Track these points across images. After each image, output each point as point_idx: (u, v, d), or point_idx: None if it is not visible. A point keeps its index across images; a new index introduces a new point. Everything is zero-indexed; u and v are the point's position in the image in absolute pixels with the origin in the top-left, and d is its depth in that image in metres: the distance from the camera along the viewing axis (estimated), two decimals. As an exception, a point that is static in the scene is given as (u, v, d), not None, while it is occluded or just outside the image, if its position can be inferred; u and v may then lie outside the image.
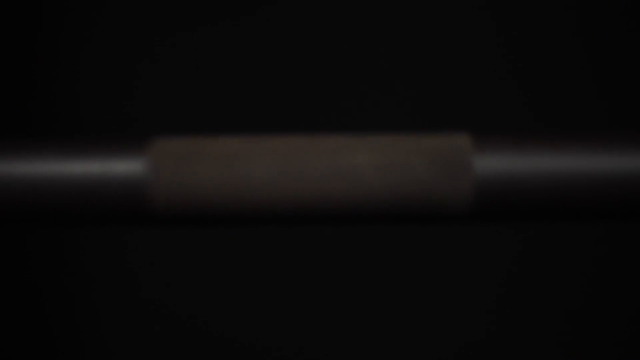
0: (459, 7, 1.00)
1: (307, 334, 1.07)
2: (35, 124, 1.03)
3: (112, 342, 1.08)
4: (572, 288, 1.04)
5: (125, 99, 1.02)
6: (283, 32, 1.01)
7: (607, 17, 1.00)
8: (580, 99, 1.01)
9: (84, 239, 1.07)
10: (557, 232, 1.04)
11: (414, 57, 1.00)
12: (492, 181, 0.37)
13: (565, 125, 1.00)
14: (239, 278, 1.07)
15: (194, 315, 1.08)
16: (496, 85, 1.00)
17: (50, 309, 1.08)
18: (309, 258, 1.06)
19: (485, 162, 0.37)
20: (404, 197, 0.37)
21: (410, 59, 1.01)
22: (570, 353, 1.05)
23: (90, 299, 1.07)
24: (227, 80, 1.02)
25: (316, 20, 1.01)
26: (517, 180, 0.37)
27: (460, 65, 1.00)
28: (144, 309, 1.08)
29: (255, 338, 1.07)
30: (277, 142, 0.38)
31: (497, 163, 0.37)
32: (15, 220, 0.39)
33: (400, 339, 1.06)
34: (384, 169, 0.37)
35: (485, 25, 1.00)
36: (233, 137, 0.38)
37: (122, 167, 0.38)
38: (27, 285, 1.07)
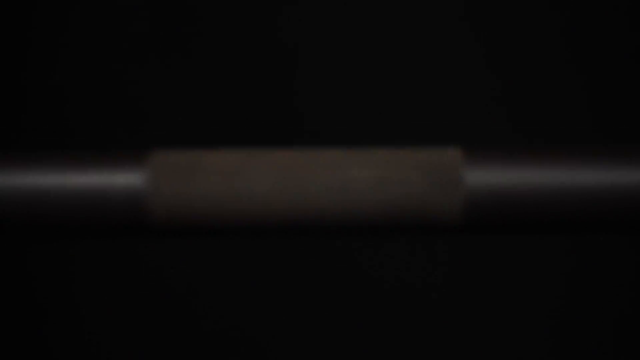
0: (449, 22, 1.02)
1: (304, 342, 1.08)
2: (31, 136, 1.03)
3: (113, 344, 1.08)
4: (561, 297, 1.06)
5: (125, 111, 1.02)
6: (280, 47, 1.02)
7: (598, 28, 1.02)
8: (572, 113, 1.03)
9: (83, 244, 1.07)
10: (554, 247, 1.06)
11: (406, 71, 1.02)
12: (482, 194, 0.38)
13: (556, 139, 1.02)
14: (238, 283, 1.08)
15: (193, 320, 1.08)
16: (488, 99, 1.01)
17: (48, 314, 1.07)
18: (308, 268, 1.07)
19: (476, 176, 0.38)
20: (399, 210, 0.38)
21: (403, 73, 1.02)
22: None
23: (92, 304, 1.07)
24: (225, 93, 1.03)
25: (311, 34, 1.03)
26: (506, 193, 0.38)
27: (452, 78, 1.02)
28: (144, 312, 1.08)
29: (253, 345, 1.08)
30: (275, 156, 0.39)
31: (488, 177, 0.38)
32: (16, 232, 0.39)
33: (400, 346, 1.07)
34: (379, 183, 0.38)
35: (475, 40, 1.02)
36: (232, 151, 0.39)
37: (122, 179, 0.39)
38: (25, 290, 1.07)
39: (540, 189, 0.38)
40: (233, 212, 0.39)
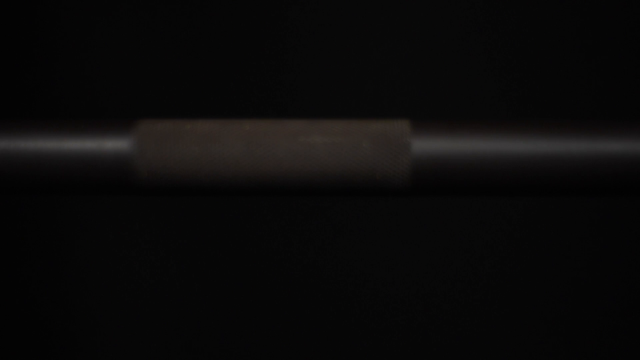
0: (449, 21, 1.05)
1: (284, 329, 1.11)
2: (31, 108, 1.07)
3: (106, 337, 1.11)
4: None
5: (113, 86, 1.06)
6: (254, 29, 1.06)
7: (599, 27, 1.04)
8: (573, 112, 1.05)
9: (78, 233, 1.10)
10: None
11: (405, 69, 1.05)
12: (427, 160, 0.43)
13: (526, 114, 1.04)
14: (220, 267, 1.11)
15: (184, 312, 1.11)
16: (488, 99, 1.04)
17: (43, 305, 1.11)
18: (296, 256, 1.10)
19: (421, 144, 0.43)
20: (352, 173, 0.43)
21: (402, 72, 1.05)
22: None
23: (84, 296, 1.10)
24: (203, 69, 1.07)
25: (303, 29, 1.07)
26: (448, 159, 0.43)
27: (452, 78, 1.05)
28: (137, 306, 1.11)
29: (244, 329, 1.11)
30: (245, 124, 0.44)
31: (432, 145, 0.43)
32: (20, 189, 0.45)
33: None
34: (336, 148, 0.43)
35: (475, 40, 1.05)
36: (208, 120, 0.45)
37: (112, 144, 0.44)
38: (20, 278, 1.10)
39: (478, 155, 0.43)
40: (207, 174, 0.44)
